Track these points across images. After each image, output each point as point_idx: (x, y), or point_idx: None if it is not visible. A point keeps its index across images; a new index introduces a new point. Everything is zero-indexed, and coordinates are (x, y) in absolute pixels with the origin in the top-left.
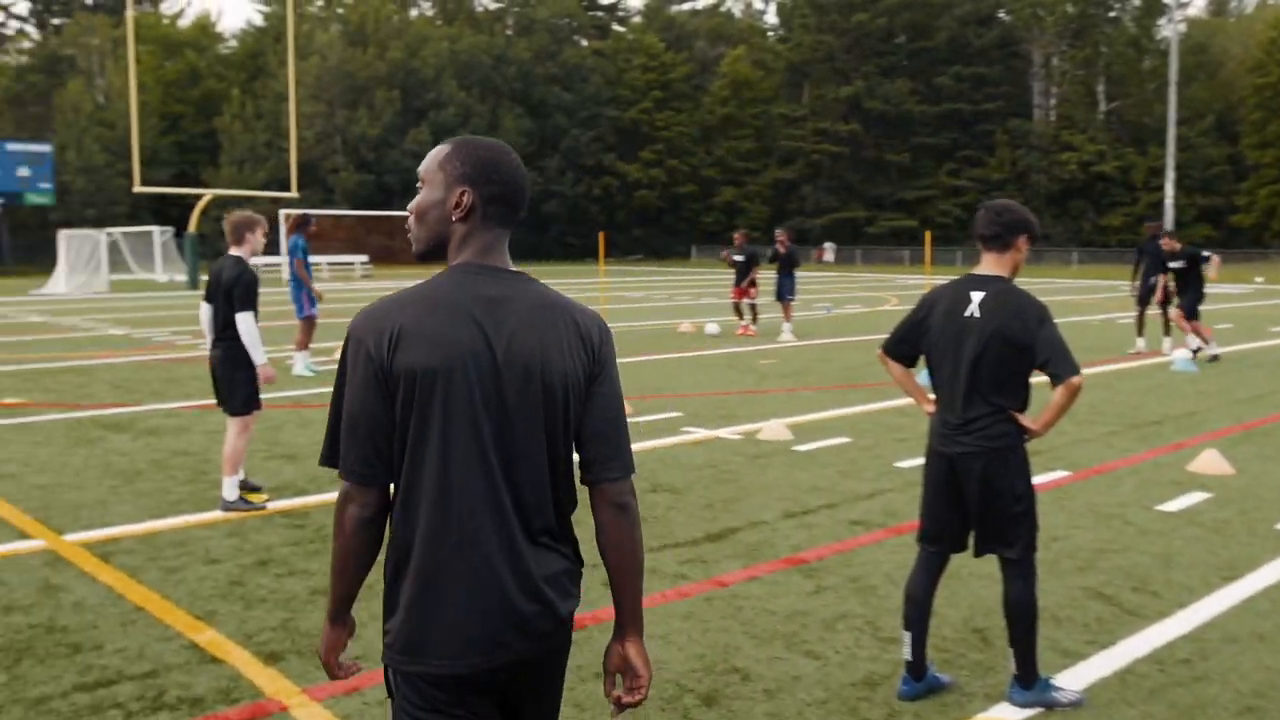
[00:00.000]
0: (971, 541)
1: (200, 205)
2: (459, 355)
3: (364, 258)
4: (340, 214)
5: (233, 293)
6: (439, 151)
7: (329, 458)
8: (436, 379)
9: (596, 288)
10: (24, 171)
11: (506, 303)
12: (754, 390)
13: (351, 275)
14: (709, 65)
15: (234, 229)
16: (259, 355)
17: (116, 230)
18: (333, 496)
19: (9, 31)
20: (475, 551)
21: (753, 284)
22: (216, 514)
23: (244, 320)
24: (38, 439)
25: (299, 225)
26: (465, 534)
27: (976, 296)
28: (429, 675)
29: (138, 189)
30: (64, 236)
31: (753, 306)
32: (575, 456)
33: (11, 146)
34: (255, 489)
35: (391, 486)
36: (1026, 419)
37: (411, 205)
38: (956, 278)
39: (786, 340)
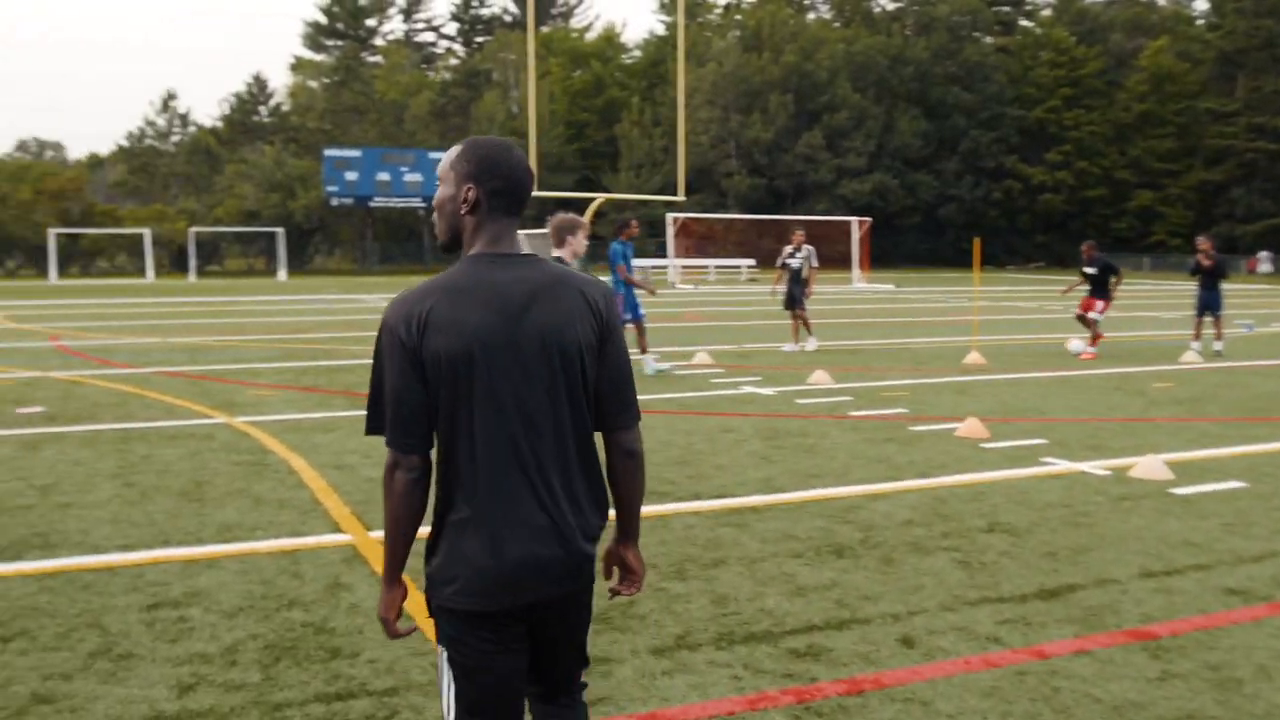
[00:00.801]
0: None
1: (591, 208)
2: (479, 336)
3: (751, 261)
4: (731, 217)
5: None
6: (452, 152)
7: (372, 427)
8: (459, 359)
9: (969, 296)
10: None
11: (520, 284)
12: (1136, 418)
13: (737, 279)
14: (1125, 59)
15: (556, 231)
16: None
17: (521, 232)
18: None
19: (439, 50)
20: (503, 505)
21: (1105, 298)
22: None
23: None
24: None
25: (619, 228)
26: (494, 490)
27: None
28: (461, 610)
29: (534, 193)
30: None
31: (1095, 322)
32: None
33: (434, 155)
34: None
35: (434, 451)
36: None
37: (433, 201)
38: None
39: (1190, 361)
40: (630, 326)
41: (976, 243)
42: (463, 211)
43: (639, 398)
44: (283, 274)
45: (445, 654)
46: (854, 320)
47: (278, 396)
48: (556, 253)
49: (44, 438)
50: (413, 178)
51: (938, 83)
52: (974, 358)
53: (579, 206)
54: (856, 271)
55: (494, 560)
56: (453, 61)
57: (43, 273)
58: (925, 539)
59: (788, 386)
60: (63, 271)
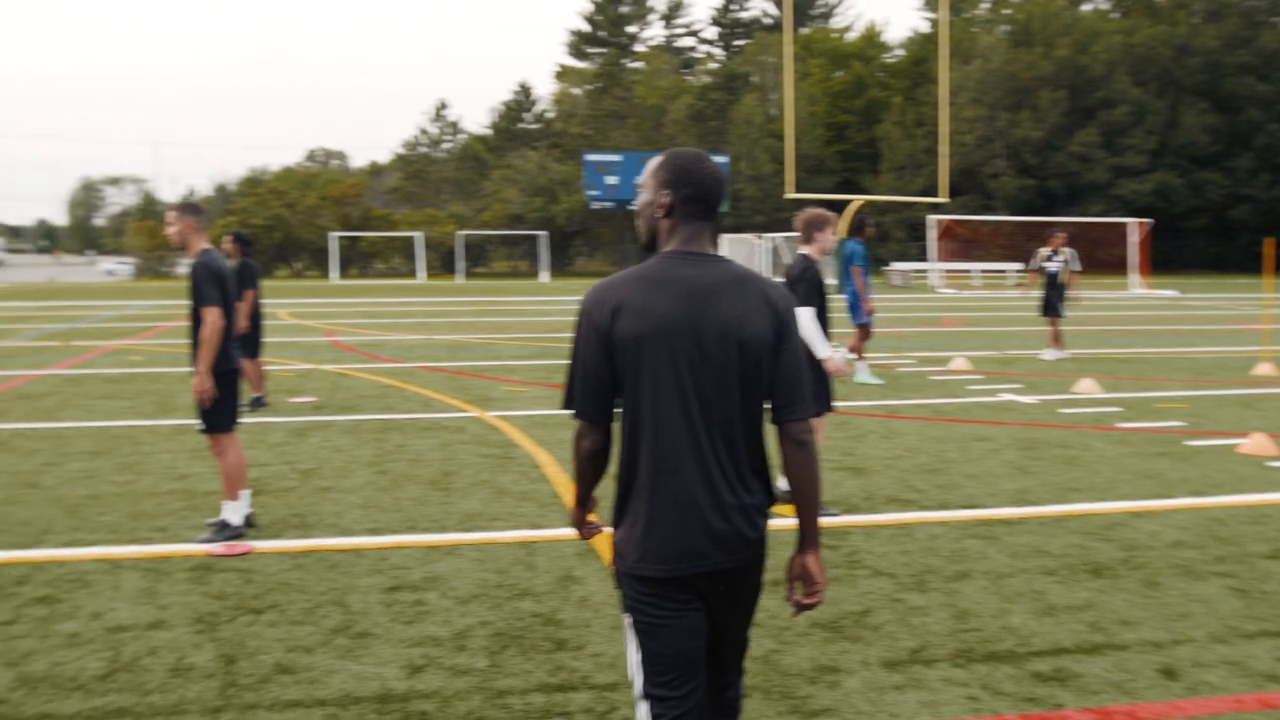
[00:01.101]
0: None
1: (848, 211)
2: (663, 324)
3: (1018, 265)
4: (998, 219)
5: (795, 289)
6: (653, 162)
7: (567, 404)
8: (644, 343)
9: (1261, 303)
10: None
11: (705, 279)
12: None
13: (1003, 283)
14: None
15: (804, 227)
16: (822, 349)
17: (779, 235)
18: (927, 515)
19: (698, 55)
20: (678, 480)
21: None
22: None
23: (803, 315)
24: None
25: (855, 229)
26: (671, 465)
27: None
28: (643, 575)
29: (789, 195)
30: (724, 240)
31: None
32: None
33: None
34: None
35: (619, 425)
36: None
37: (635, 205)
38: None
39: None
40: (856, 329)
41: (1268, 245)
42: (659, 215)
43: (895, 401)
44: (545, 275)
45: (630, 619)
46: (1129, 327)
47: (529, 393)
48: (803, 249)
49: (311, 426)
50: None
51: (1229, 73)
52: (1264, 369)
53: (838, 209)
54: (1135, 276)
55: (672, 530)
56: (712, 65)
57: (325, 273)
58: (1196, 562)
59: (1051, 395)
60: (343, 272)
